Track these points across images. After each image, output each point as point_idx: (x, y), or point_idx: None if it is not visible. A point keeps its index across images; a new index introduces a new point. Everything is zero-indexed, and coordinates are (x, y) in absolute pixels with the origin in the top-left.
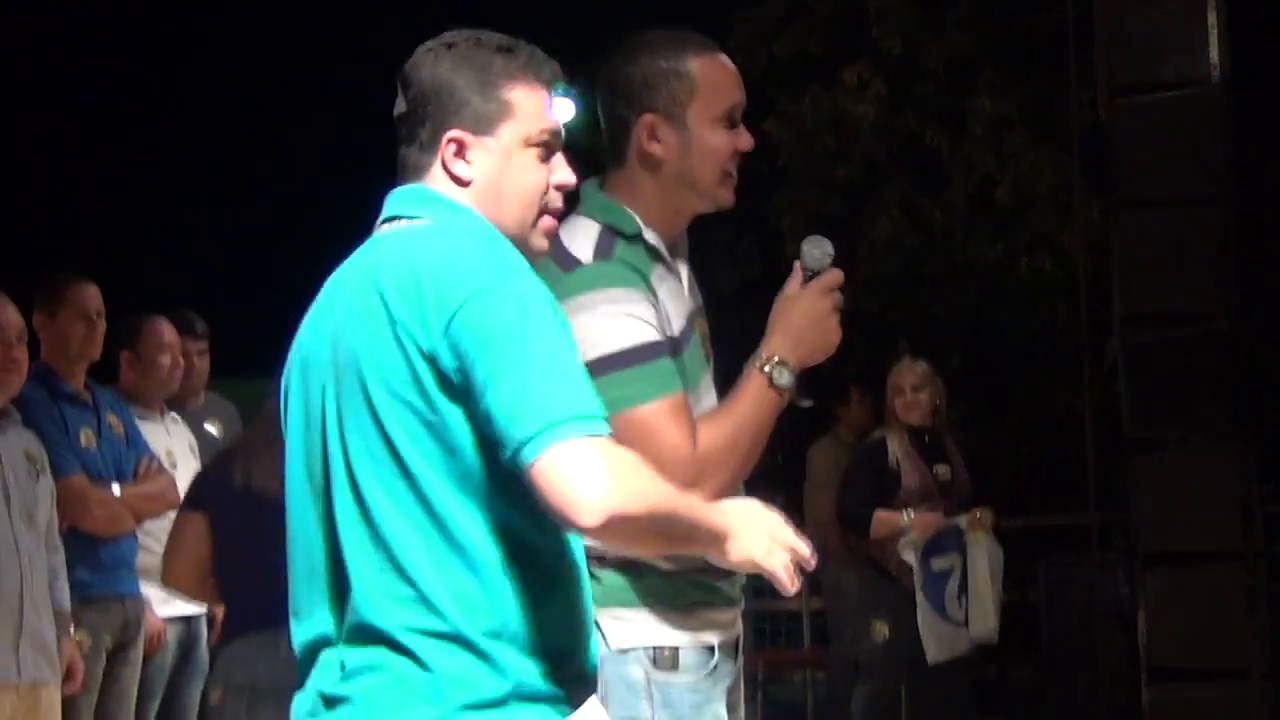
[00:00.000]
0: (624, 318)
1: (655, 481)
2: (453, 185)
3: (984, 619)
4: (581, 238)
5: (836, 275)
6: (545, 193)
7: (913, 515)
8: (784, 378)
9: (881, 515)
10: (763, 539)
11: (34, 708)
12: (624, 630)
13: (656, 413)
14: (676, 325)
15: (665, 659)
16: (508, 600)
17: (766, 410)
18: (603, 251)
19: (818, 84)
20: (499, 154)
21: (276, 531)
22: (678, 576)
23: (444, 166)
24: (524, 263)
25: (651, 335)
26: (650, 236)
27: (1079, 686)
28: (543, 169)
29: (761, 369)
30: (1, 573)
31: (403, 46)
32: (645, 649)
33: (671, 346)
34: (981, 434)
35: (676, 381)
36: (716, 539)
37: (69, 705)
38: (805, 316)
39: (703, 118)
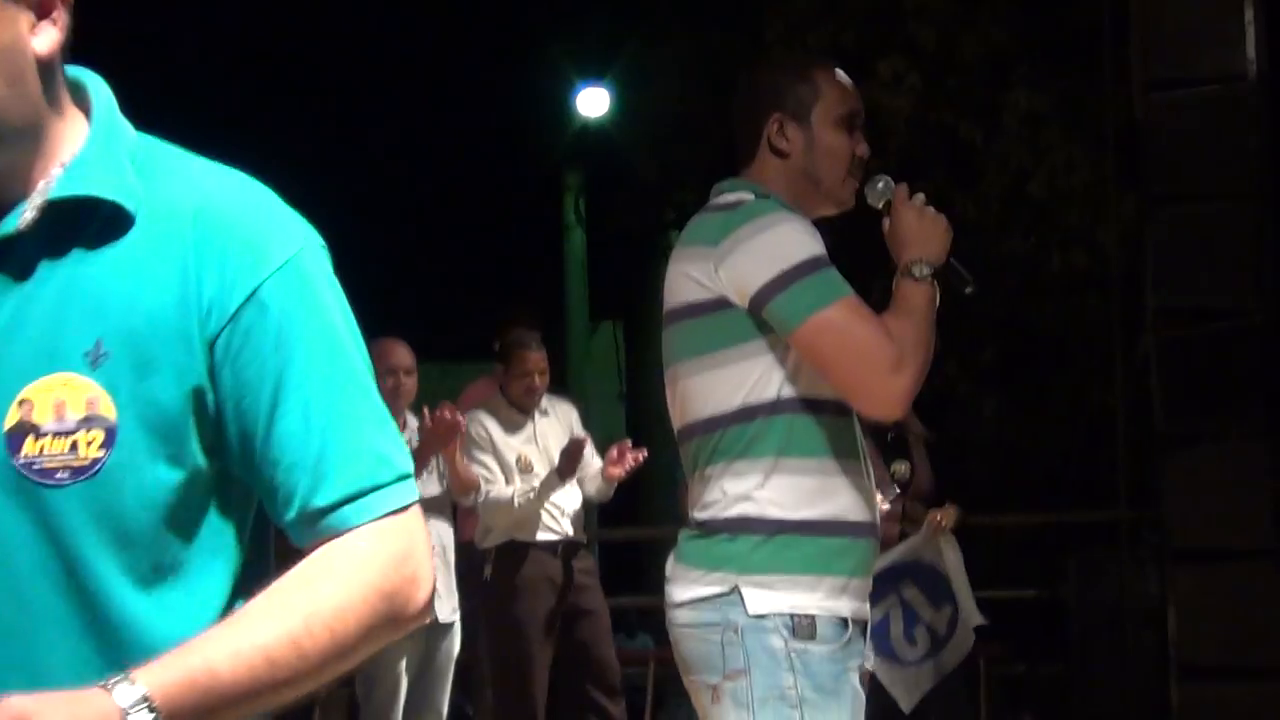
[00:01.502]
0: (796, 235)
1: None
2: None
3: (973, 613)
4: (736, 195)
5: (903, 188)
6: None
7: None
8: (923, 270)
9: None
10: None
11: None
12: (762, 596)
13: (844, 311)
14: None
15: (803, 628)
16: None
17: (924, 300)
18: (760, 197)
19: (852, 77)
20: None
21: None
22: (812, 541)
23: None
24: None
25: (821, 250)
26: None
27: (1108, 683)
28: None
29: (902, 276)
30: None
31: (445, 42)
32: (782, 616)
33: None
34: (1013, 428)
35: (850, 287)
36: None
37: None
38: (909, 228)
39: (824, 119)
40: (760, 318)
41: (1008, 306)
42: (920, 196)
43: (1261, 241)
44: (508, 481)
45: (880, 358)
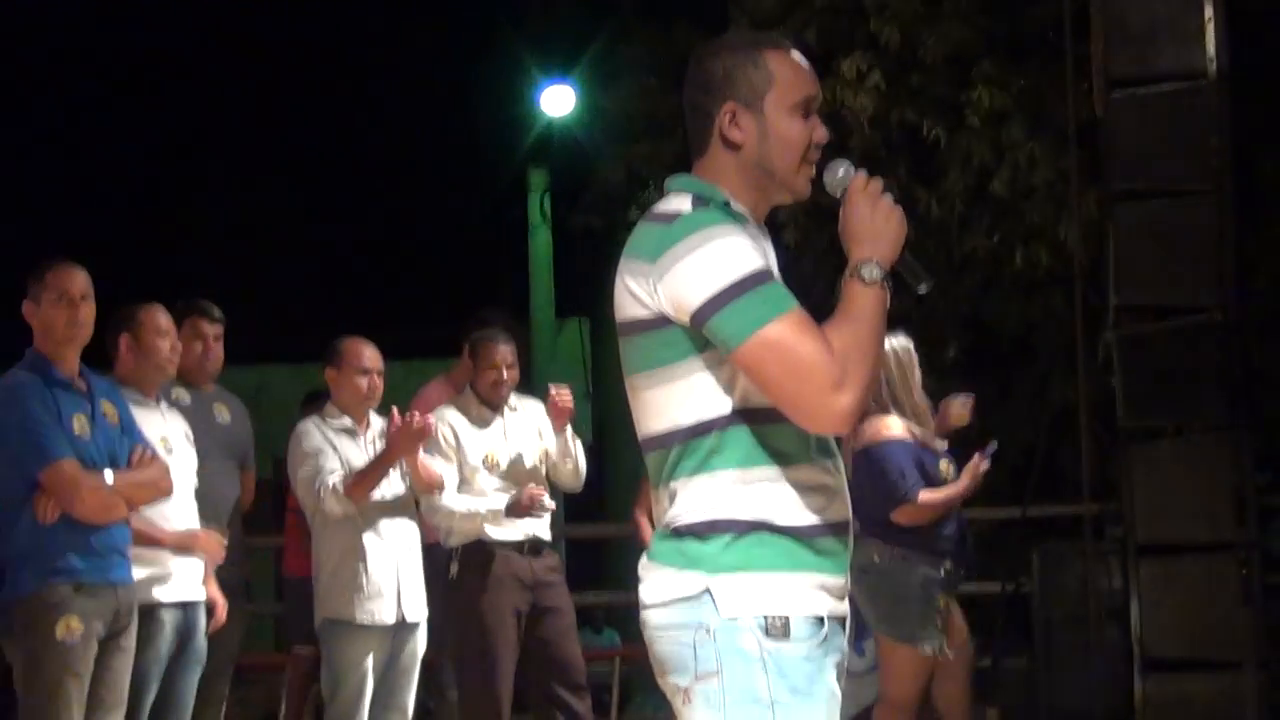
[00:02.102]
0: (734, 249)
1: None
2: None
3: None
4: (675, 203)
5: (860, 177)
6: None
7: None
8: (873, 272)
9: None
10: None
11: None
12: (734, 597)
13: (784, 328)
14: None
15: (777, 628)
16: None
17: (873, 306)
18: (699, 205)
19: (815, 75)
20: None
21: None
22: (785, 538)
23: None
24: None
25: (761, 262)
26: (737, 206)
27: (1073, 676)
28: None
29: (850, 277)
30: None
31: (410, 41)
32: (756, 617)
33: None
34: (977, 423)
35: (793, 299)
36: None
37: (58, 691)
38: (863, 220)
39: (779, 107)
40: (703, 334)
41: (971, 303)
42: (878, 184)
43: (1222, 238)
44: (463, 482)
45: (822, 377)
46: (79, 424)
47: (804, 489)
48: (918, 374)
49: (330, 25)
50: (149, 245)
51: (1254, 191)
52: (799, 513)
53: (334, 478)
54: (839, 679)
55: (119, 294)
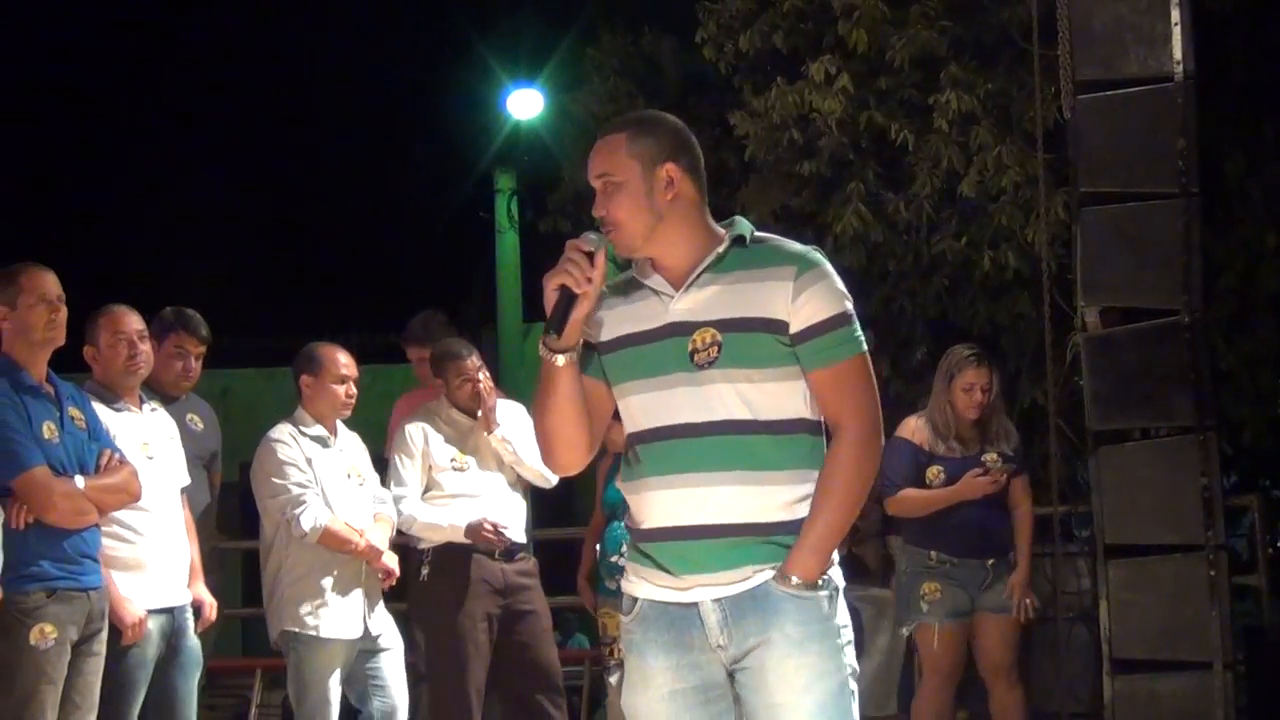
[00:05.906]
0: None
1: None
2: None
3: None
4: None
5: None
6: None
7: None
8: (544, 342)
9: None
10: None
11: None
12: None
13: None
14: (604, 335)
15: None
16: None
17: (542, 374)
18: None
19: (783, 78)
20: None
21: None
22: (632, 542)
23: None
24: None
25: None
26: (635, 264)
27: (1042, 677)
28: None
29: None
30: None
31: (377, 45)
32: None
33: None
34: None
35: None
36: None
37: (33, 698)
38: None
39: None
40: None
41: (939, 306)
42: (570, 246)
43: (1188, 240)
44: (433, 485)
45: None
46: (48, 429)
47: (639, 501)
48: (962, 380)
49: (298, 29)
50: (113, 248)
51: (1219, 194)
52: (644, 519)
53: (308, 515)
54: (670, 654)
55: (86, 298)
